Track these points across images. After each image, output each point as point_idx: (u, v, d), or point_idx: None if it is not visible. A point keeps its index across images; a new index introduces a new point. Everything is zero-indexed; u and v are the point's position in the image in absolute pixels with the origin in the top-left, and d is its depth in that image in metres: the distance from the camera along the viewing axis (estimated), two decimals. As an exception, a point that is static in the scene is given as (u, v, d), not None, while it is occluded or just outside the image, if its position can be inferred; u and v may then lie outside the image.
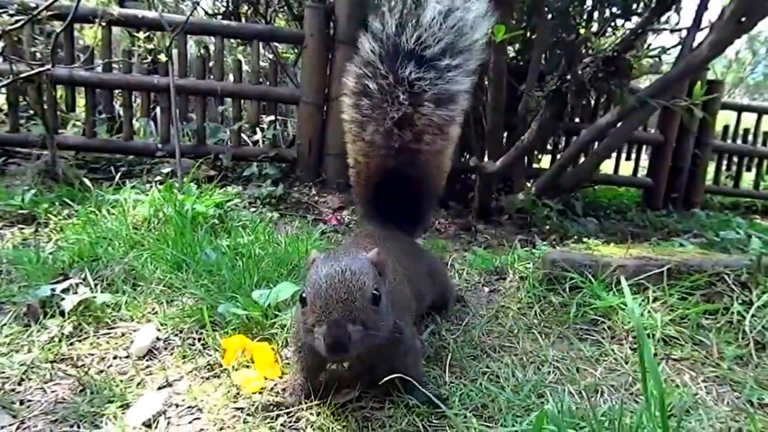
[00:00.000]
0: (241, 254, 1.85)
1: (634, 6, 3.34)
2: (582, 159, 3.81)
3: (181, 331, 1.39)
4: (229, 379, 1.19)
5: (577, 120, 4.16)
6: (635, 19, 3.37)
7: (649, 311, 1.57)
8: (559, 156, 4.00)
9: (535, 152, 4.24)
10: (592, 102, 4.17)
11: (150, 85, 3.53)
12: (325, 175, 3.61)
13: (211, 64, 3.85)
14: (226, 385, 1.19)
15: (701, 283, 1.63)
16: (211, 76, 3.78)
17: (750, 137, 4.87)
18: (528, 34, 3.69)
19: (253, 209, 2.92)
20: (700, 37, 3.02)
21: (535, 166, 4.20)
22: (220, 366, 1.25)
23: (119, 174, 2.72)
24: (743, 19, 2.73)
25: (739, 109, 4.84)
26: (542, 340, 1.50)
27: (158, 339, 1.35)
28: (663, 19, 3.38)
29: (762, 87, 11.53)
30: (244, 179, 3.51)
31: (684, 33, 3.25)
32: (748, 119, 4.90)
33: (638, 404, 1.18)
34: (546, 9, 3.22)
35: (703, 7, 3.14)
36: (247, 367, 1.23)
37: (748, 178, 5.04)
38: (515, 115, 3.52)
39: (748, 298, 1.57)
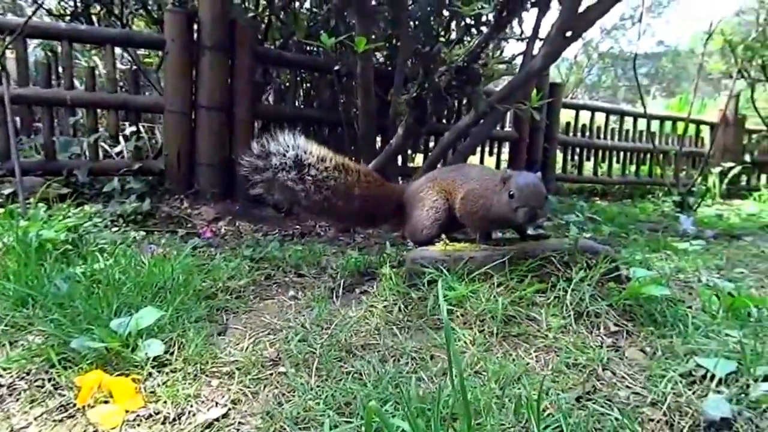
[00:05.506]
0: (99, 281, 1.75)
1: (484, 18, 3.69)
2: (450, 156, 4.13)
3: (28, 374, 1.30)
4: (85, 418, 1.14)
5: (444, 121, 4.54)
6: (485, 29, 3.72)
7: (494, 296, 1.78)
8: (429, 154, 4.30)
9: (409, 152, 4.53)
10: (456, 105, 4.59)
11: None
12: (197, 186, 3.49)
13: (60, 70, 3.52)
14: (81, 425, 1.13)
15: (534, 266, 1.89)
16: (61, 83, 3.46)
17: (587, 132, 5.85)
18: (394, 42, 3.89)
19: (115, 228, 2.73)
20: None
21: (410, 165, 4.48)
22: (74, 406, 1.19)
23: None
24: (568, 33, 3.20)
25: (577, 108, 5.82)
26: (402, 334, 1.64)
27: (1, 386, 1.25)
28: (508, 29, 3.77)
29: (597, 87, 13.79)
30: (105, 195, 3.25)
31: (529, 42, 3.65)
32: (585, 116, 5.94)
33: (479, 379, 1.35)
34: (409, 18, 3.43)
35: (539, 21, 3.58)
36: (106, 402, 1.19)
37: (588, 167, 6.03)
38: (388, 119, 3.70)
39: (570, 275, 1.86)
